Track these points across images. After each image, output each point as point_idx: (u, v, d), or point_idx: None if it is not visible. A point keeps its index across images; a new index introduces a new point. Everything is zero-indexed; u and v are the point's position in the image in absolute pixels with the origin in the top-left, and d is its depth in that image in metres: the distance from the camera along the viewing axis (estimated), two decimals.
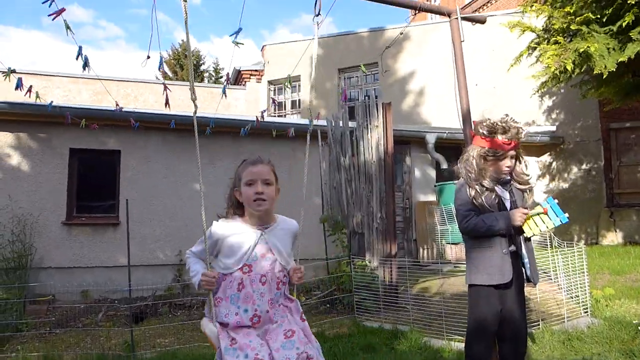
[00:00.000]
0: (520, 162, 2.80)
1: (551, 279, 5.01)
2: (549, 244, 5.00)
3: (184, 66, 23.11)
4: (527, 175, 2.82)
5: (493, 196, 2.69)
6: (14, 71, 4.65)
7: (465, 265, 2.85)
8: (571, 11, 6.79)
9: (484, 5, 17.70)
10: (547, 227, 2.63)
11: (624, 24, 6.22)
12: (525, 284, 2.82)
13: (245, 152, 7.57)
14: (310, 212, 7.95)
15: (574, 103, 10.21)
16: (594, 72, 6.66)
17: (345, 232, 6.34)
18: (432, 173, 9.59)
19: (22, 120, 7.06)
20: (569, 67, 6.48)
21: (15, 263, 6.47)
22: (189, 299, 6.62)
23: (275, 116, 12.97)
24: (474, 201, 2.67)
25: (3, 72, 4.68)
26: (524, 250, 2.73)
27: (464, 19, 5.30)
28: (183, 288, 7.36)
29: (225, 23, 55.92)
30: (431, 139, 9.21)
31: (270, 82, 14.12)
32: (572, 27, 6.66)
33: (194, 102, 2.11)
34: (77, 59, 4.07)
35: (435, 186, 9.25)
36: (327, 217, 6.68)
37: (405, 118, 11.55)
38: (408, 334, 4.35)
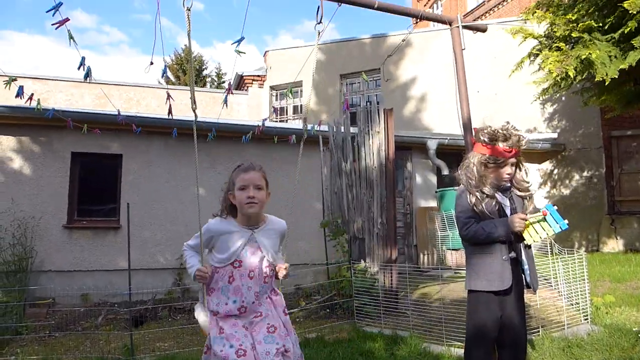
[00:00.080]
0: (520, 170, 2.81)
1: (551, 286, 5.00)
2: (549, 250, 4.99)
3: (187, 71, 23.19)
4: (527, 183, 2.83)
5: (493, 203, 2.70)
6: (14, 80, 4.65)
7: (465, 272, 2.85)
8: (573, 19, 6.82)
9: (486, 12, 17.78)
10: (547, 234, 2.63)
11: (626, 31, 6.25)
12: (525, 291, 2.82)
13: (246, 156, 7.60)
14: (311, 217, 7.98)
15: (576, 110, 10.23)
16: (595, 80, 6.68)
17: (346, 237, 6.34)
18: (433, 179, 9.60)
19: (24, 124, 7.09)
20: (570, 74, 6.50)
21: (16, 266, 6.48)
22: (189, 303, 6.61)
23: (277, 121, 13.01)
24: (475, 208, 2.68)
25: (4, 81, 4.67)
26: (523, 257, 2.73)
27: (465, 27, 5.33)
28: (183, 292, 7.35)
29: (228, 28, 56.22)
30: (432, 145, 9.23)
31: (272, 88, 14.17)
32: (574, 34, 6.69)
33: (194, 111, 2.33)
34: (79, 69, 4.08)
35: (436, 192, 9.25)
36: (327, 222, 6.69)
37: (407, 124, 11.57)
38: (408, 340, 4.34)
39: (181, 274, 7.52)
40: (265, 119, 7.08)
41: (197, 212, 2.27)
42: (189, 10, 2.21)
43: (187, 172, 7.77)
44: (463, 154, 2.98)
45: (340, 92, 13.14)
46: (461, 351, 3.55)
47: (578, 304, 4.65)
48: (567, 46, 6.87)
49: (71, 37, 3.54)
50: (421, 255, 8.98)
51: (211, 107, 13.19)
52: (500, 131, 2.66)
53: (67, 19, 3.36)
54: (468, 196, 2.71)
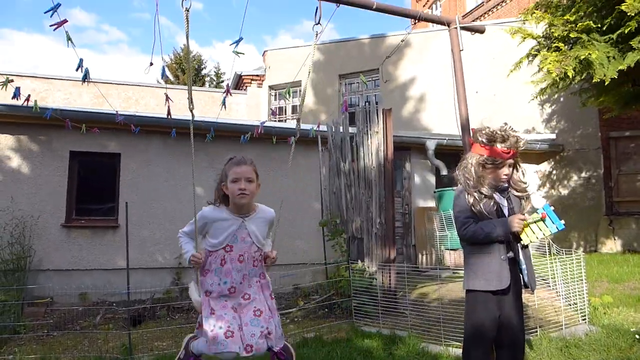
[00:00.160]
0: (517, 170, 2.81)
1: (550, 286, 5.01)
2: (547, 251, 5.01)
3: (186, 70, 23.18)
4: (524, 183, 2.84)
5: (492, 203, 2.71)
6: (11, 81, 4.62)
7: (463, 272, 2.86)
8: (571, 19, 6.84)
9: (485, 13, 17.80)
10: (544, 235, 2.65)
11: (626, 31, 6.26)
12: (523, 291, 2.83)
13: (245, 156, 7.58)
14: (310, 217, 7.98)
15: (574, 111, 10.25)
16: (593, 81, 6.70)
17: (344, 237, 6.35)
18: (432, 179, 9.61)
19: (22, 123, 7.08)
20: (569, 74, 6.51)
21: (14, 265, 6.46)
22: (187, 303, 6.61)
23: (275, 121, 13.01)
24: (473, 208, 2.69)
25: (1, 82, 4.63)
26: (521, 257, 2.74)
27: (463, 28, 5.34)
28: (181, 291, 7.35)
29: (227, 28, 56.19)
30: (431, 145, 9.24)
31: (271, 87, 14.17)
32: (572, 34, 6.70)
33: (191, 111, 2.48)
34: (77, 70, 4.07)
35: (434, 192, 9.27)
36: (326, 222, 6.69)
37: (406, 124, 11.58)
38: (406, 340, 4.35)
39: (180, 273, 7.52)
40: (264, 122, 7.08)
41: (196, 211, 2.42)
42: (188, 10, 2.26)
43: (186, 171, 7.76)
44: (462, 155, 2.99)
45: (339, 92, 13.15)
46: (459, 351, 3.56)
47: (576, 304, 4.66)
48: (566, 46, 6.89)
49: (69, 39, 3.52)
50: (420, 255, 8.99)
51: (210, 107, 13.18)
52: (499, 132, 2.67)
53: (65, 21, 3.34)
54: (466, 196, 2.72)
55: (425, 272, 7.09)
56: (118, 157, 7.68)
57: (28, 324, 5.72)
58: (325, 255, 6.91)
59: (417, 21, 5.54)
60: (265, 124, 7.15)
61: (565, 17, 6.92)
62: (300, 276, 7.30)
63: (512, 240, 2.70)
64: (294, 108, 14.17)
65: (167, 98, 5.11)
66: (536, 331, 4.32)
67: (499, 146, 2.66)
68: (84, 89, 12.32)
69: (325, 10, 2.57)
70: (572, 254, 4.74)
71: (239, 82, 14.63)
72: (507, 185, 2.78)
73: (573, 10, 7.09)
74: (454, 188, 2.92)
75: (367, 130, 6.18)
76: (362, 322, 5.18)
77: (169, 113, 5.21)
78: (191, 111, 2.48)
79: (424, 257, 8.93)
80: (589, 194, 10.42)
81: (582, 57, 6.39)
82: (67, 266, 7.16)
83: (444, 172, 9.21)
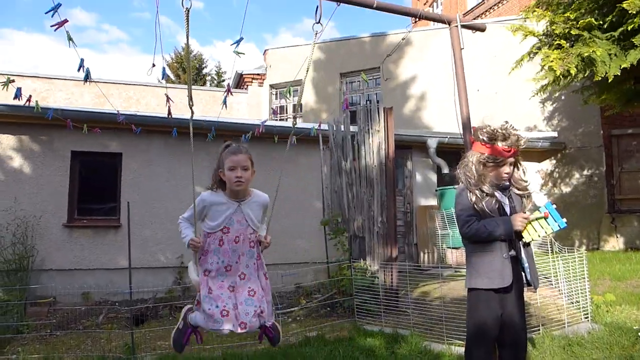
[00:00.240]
0: (518, 169, 2.81)
1: (552, 284, 5.00)
2: (549, 249, 5.00)
3: (187, 69, 23.18)
4: (525, 182, 2.84)
5: (493, 201, 2.70)
6: (12, 81, 4.62)
7: (465, 270, 2.85)
8: (572, 17, 6.82)
9: (486, 11, 17.76)
10: (546, 233, 2.65)
11: (629, 28, 6.23)
12: (525, 289, 2.82)
13: None
14: (311, 216, 7.98)
15: (576, 109, 10.23)
16: (595, 79, 6.68)
17: (346, 235, 6.35)
18: (434, 177, 9.60)
19: (23, 123, 7.09)
20: (572, 72, 6.49)
21: (17, 265, 6.48)
22: (190, 302, 6.62)
23: (276, 120, 13.00)
24: (475, 206, 2.68)
25: (2, 82, 4.63)
26: (523, 255, 2.74)
27: (464, 27, 5.33)
28: (184, 291, 7.36)
29: (227, 27, 56.17)
30: (432, 143, 9.23)
31: (272, 86, 14.16)
32: (573, 32, 6.69)
33: (190, 108, 2.59)
34: (78, 70, 4.07)
35: (436, 190, 9.26)
36: (328, 221, 6.69)
37: (407, 122, 11.57)
38: (408, 338, 4.35)
39: (182, 273, 7.53)
40: (265, 121, 7.08)
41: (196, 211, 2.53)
42: (188, 10, 2.30)
43: (187, 171, 7.76)
44: (463, 153, 2.98)
45: (340, 90, 13.14)
46: (462, 350, 3.56)
47: (578, 302, 4.66)
48: (568, 44, 6.87)
49: (70, 39, 3.52)
50: (421, 254, 8.99)
51: (211, 106, 13.19)
52: (500, 131, 2.67)
53: (66, 20, 3.34)
54: (468, 194, 2.71)
55: (427, 270, 7.09)
56: (119, 157, 7.69)
57: (31, 323, 5.73)
58: (327, 254, 6.92)
59: (417, 19, 5.53)
60: (266, 123, 7.15)
61: (566, 15, 6.90)
62: (302, 275, 7.30)
63: (514, 238, 2.70)
64: (295, 107, 14.17)
65: (168, 98, 5.11)
66: (538, 329, 4.32)
67: (500, 144, 2.66)
68: (85, 88, 12.33)
69: (325, 9, 2.57)
70: (574, 251, 4.73)
71: (240, 81, 14.63)
72: (508, 183, 2.78)
73: (573, 6, 7.07)
74: (456, 186, 2.92)
75: (368, 129, 6.17)
76: (364, 320, 5.18)
77: (169, 113, 5.22)
78: (190, 108, 2.59)
79: (426, 255, 8.93)
80: (591, 192, 10.40)
81: (585, 55, 6.36)
82: (70, 266, 7.17)
83: (446, 170, 9.20)
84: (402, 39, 8.05)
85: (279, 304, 5.41)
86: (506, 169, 2.70)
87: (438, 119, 11.44)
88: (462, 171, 2.78)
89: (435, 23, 11.61)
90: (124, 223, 7.35)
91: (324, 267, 6.91)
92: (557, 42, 6.87)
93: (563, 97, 10.64)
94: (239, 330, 2.47)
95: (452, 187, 8.26)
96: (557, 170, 10.73)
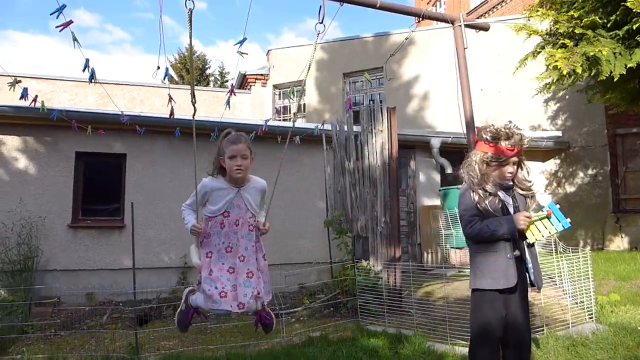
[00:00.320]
0: (522, 169, 2.80)
1: (556, 285, 4.99)
2: (554, 249, 4.98)
3: (190, 70, 23.22)
4: (529, 182, 2.83)
5: (497, 201, 2.69)
6: (19, 81, 4.65)
7: (469, 270, 2.84)
8: (575, 15, 6.79)
9: (489, 10, 17.72)
10: (550, 233, 2.64)
11: (634, 27, 6.19)
12: (529, 289, 2.81)
13: None
14: (315, 216, 7.98)
15: (580, 108, 10.19)
16: (600, 78, 6.65)
17: (350, 235, 6.34)
18: (437, 177, 9.58)
19: (28, 124, 7.12)
20: (578, 71, 6.46)
21: (21, 265, 6.51)
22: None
23: (280, 120, 13.01)
24: (478, 205, 2.68)
25: (9, 82, 4.67)
26: (527, 255, 2.73)
27: (467, 26, 5.31)
28: None
29: (230, 27, 56.26)
30: (436, 143, 9.21)
31: (275, 87, 14.17)
32: (577, 30, 6.66)
33: (193, 104, 2.68)
34: (84, 71, 4.09)
35: (439, 190, 9.24)
36: (331, 221, 6.69)
37: (410, 122, 11.55)
38: (412, 339, 4.34)
39: (185, 273, 7.55)
40: (268, 121, 7.08)
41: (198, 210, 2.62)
42: (191, 11, 2.34)
43: (191, 171, 7.65)
44: (466, 153, 2.98)
45: (343, 90, 13.13)
46: (465, 350, 3.55)
47: (583, 302, 4.64)
48: (572, 43, 6.84)
49: (75, 40, 3.53)
50: (425, 254, 8.97)
51: (214, 107, 13.21)
52: (503, 130, 2.66)
53: (71, 22, 3.34)
54: (471, 194, 2.71)
55: (431, 270, 7.08)
56: (123, 158, 7.71)
57: (36, 323, 5.76)
58: (331, 254, 6.91)
59: (421, 19, 5.52)
60: (270, 123, 7.15)
61: (569, 13, 6.88)
62: (305, 275, 7.30)
63: (518, 238, 2.69)
64: (298, 107, 14.18)
65: (170, 98, 5.12)
66: (543, 330, 4.30)
67: (504, 144, 2.65)
68: (89, 89, 12.39)
69: (328, 9, 2.58)
70: (578, 251, 4.71)
71: (243, 82, 14.65)
72: (511, 183, 2.77)
73: (577, 5, 7.04)
74: (459, 186, 2.91)
75: (371, 129, 6.17)
76: (368, 321, 5.18)
77: (172, 113, 5.21)
78: (193, 104, 2.68)
79: (430, 255, 8.92)
80: (596, 192, 10.35)
81: (591, 54, 6.33)
82: (74, 266, 7.20)
83: (449, 170, 9.18)
84: (405, 39, 8.03)
85: (282, 304, 5.41)
86: (509, 168, 2.69)
87: (441, 118, 11.42)
88: (465, 170, 2.78)
89: (439, 22, 11.62)
90: (128, 223, 7.37)
91: (328, 267, 6.91)
92: (561, 41, 6.84)
93: (567, 97, 10.60)
94: (238, 310, 2.63)
95: (455, 187, 8.24)
96: (561, 169, 10.69)
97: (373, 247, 5.94)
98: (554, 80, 7.48)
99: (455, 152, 9.25)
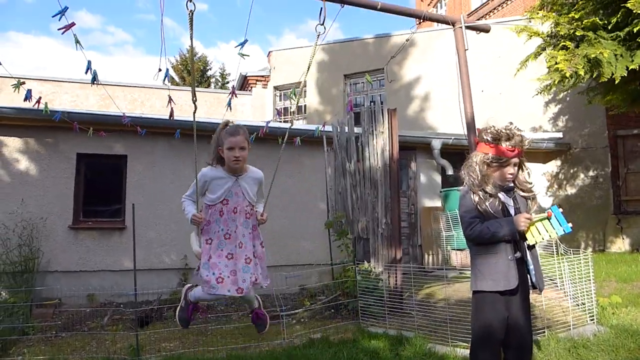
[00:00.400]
0: (522, 170, 2.80)
1: (557, 286, 4.98)
2: (555, 250, 4.97)
3: (190, 71, 23.25)
4: (530, 184, 2.82)
5: (497, 202, 2.69)
6: (23, 83, 4.66)
7: (470, 272, 2.84)
8: (576, 17, 6.79)
9: (490, 12, 17.72)
10: (550, 236, 2.63)
11: (635, 29, 6.19)
12: (530, 291, 2.81)
13: (250, 157, 7.60)
14: (315, 217, 7.98)
15: (580, 109, 10.18)
16: (600, 80, 6.64)
17: (350, 237, 6.34)
18: (438, 179, 9.58)
19: (30, 126, 7.13)
20: (581, 73, 6.46)
21: (22, 267, 6.52)
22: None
23: (280, 121, 13.02)
24: (479, 207, 2.67)
25: (12, 84, 4.69)
26: (528, 257, 2.72)
27: (468, 27, 5.31)
28: None
29: (231, 29, 56.33)
30: (437, 144, 9.21)
31: (276, 88, 14.19)
32: (578, 32, 6.66)
33: (194, 102, 2.77)
34: (86, 72, 4.10)
35: (440, 192, 9.24)
36: (332, 223, 6.69)
37: (411, 124, 11.55)
38: (413, 340, 4.33)
39: (186, 274, 7.54)
40: (269, 122, 7.08)
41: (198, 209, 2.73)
42: (192, 12, 2.36)
43: (192, 172, 7.64)
44: (467, 154, 2.98)
45: (343, 92, 13.14)
46: (466, 352, 3.55)
47: (584, 304, 4.63)
48: (573, 44, 6.84)
49: (77, 42, 3.54)
50: (426, 256, 8.97)
51: (215, 108, 13.23)
52: (504, 131, 2.66)
53: (73, 24, 3.35)
54: (472, 196, 2.71)
55: (432, 272, 7.07)
56: (124, 159, 7.72)
57: (37, 325, 5.76)
58: (332, 256, 6.91)
59: (422, 21, 5.52)
60: (270, 124, 7.16)
61: (570, 15, 6.88)
62: (306, 277, 7.30)
63: (518, 240, 2.68)
64: (299, 108, 14.19)
65: (170, 100, 5.12)
66: (544, 332, 4.29)
67: (504, 145, 2.65)
68: (91, 91, 12.42)
69: (329, 10, 2.59)
70: (579, 253, 4.70)
71: (244, 83, 14.66)
72: (512, 185, 2.77)
73: (577, 6, 7.04)
74: (460, 188, 2.91)
75: (372, 130, 6.17)
76: (369, 322, 5.17)
77: (171, 114, 5.22)
78: (194, 102, 2.76)
79: (430, 257, 8.91)
80: (597, 193, 10.34)
81: (592, 56, 6.32)
82: (75, 267, 7.20)
83: (450, 171, 9.18)
84: (406, 40, 8.03)
85: (283, 305, 5.41)
86: (510, 169, 2.69)
87: (442, 120, 11.42)
88: (465, 172, 2.78)
89: (439, 24, 11.62)
90: (128, 225, 7.38)
91: (328, 268, 6.91)
92: (562, 43, 6.84)
93: (568, 98, 10.59)
94: (236, 294, 2.76)
95: (456, 188, 8.24)
96: (562, 171, 10.68)
97: (374, 248, 5.94)
98: (555, 82, 7.48)
99: (456, 153, 9.24)
